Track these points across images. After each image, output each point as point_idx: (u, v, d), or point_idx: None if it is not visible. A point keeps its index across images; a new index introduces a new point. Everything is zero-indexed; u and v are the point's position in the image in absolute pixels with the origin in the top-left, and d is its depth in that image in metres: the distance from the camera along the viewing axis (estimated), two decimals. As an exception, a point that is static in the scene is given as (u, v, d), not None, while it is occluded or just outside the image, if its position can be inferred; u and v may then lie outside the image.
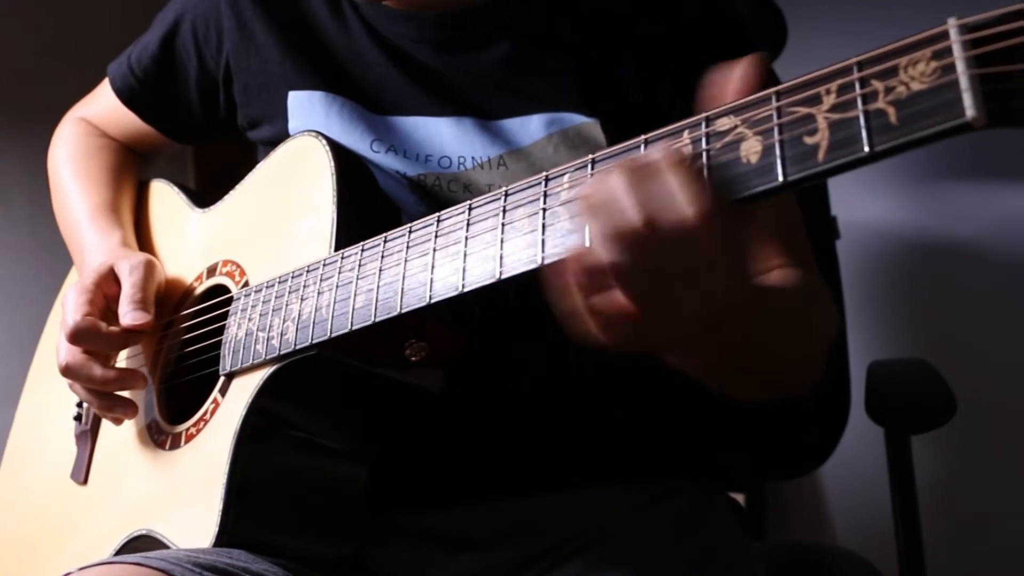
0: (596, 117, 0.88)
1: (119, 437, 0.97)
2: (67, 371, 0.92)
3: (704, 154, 0.52)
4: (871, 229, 1.78)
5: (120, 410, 0.93)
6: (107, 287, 0.95)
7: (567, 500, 0.90)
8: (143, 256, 0.98)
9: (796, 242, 0.89)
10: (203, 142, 1.18)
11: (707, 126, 0.53)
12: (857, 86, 0.48)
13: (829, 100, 0.49)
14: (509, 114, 0.90)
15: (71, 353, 0.91)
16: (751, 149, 0.50)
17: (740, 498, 1.30)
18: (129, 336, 0.93)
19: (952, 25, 0.46)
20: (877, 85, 0.48)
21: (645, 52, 0.90)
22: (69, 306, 0.92)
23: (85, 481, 1.00)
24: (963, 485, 1.70)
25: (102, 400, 0.93)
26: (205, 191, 1.07)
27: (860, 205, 1.62)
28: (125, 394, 0.95)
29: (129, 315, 0.92)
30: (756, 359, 0.73)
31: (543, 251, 0.58)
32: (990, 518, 1.69)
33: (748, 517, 1.31)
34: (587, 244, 0.56)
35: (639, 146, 0.56)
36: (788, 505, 1.84)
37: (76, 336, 0.90)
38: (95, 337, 0.91)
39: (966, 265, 1.75)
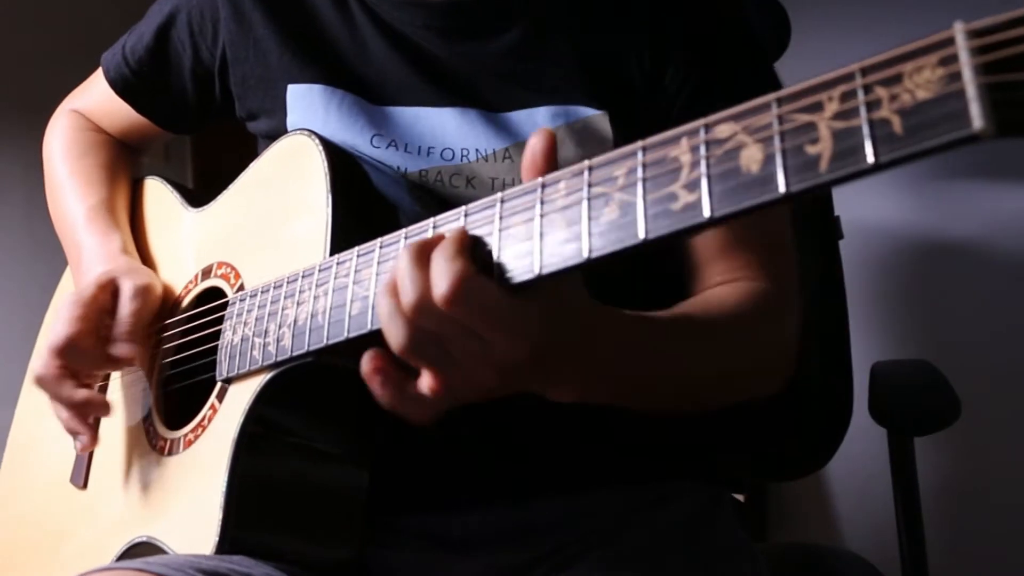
0: (604, 109, 0.87)
1: (118, 441, 0.96)
2: (39, 382, 0.91)
3: (703, 162, 0.51)
4: (874, 230, 1.77)
5: (79, 437, 0.92)
6: (104, 300, 0.93)
7: (570, 502, 0.89)
8: (146, 278, 0.96)
9: (753, 254, 0.87)
10: (198, 131, 1.17)
11: (706, 133, 0.51)
12: (860, 93, 0.46)
13: (831, 108, 0.47)
14: (516, 106, 0.89)
15: (47, 366, 0.90)
16: (752, 158, 0.48)
17: (741, 499, 1.30)
18: (112, 362, 0.91)
19: (959, 30, 0.44)
20: (881, 93, 0.45)
21: (650, 45, 0.89)
22: (61, 317, 0.90)
23: (84, 485, 0.99)
24: (966, 487, 1.70)
25: (68, 421, 0.92)
26: (203, 187, 1.06)
27: (863, 206, 1.61)
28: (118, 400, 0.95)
29: (118, 347, 0.90)
30: (649, 383, 0.75)
31: (541, 260, 0.57)
32: (993, 520, 1.69)
33: (749, 518, 1.30)
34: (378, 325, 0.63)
35: (636, 152, 0.54)
36: (789, 506, 1.84)
37: (58, 351, 0.89)
38: (77, 356, 0.89)
39: (970, 266, 1.74)
